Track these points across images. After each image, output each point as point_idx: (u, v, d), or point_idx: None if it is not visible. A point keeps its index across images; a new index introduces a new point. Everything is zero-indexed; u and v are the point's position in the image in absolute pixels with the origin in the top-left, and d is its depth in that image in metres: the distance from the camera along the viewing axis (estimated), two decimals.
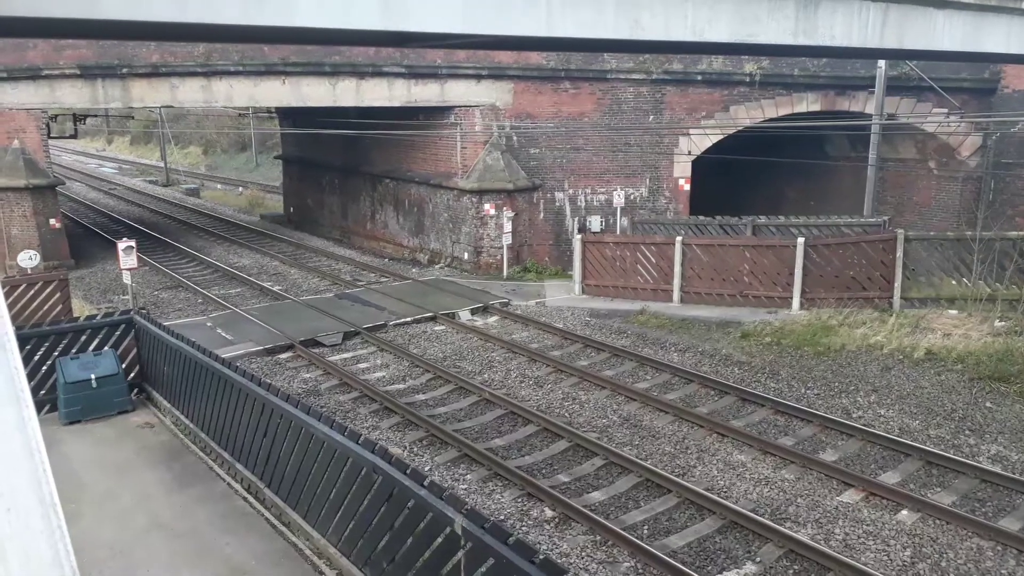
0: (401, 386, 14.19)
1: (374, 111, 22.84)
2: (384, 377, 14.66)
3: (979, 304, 15.76)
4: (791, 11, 8.75)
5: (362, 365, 15.35)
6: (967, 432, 11.71)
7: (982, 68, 21.72)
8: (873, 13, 9.46)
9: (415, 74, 21.99)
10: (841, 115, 22.99)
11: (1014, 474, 10.32)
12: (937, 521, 9.29)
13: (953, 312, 15.97)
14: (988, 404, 12.57)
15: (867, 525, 9.28)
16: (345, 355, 15.92)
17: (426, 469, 10.70)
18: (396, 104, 22.26)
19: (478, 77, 22.37)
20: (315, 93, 21.72)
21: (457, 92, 22.50)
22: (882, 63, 20.77)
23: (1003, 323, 15.14)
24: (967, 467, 10.47)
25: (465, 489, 10.29)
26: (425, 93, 22.34)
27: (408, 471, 6.40)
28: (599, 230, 23.24)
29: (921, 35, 10.10)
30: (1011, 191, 21.53)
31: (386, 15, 6.41)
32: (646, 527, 9.36)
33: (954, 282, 16.58)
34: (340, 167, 29.11)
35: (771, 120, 23.16)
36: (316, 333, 16.69)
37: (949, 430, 11.79)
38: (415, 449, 11.57)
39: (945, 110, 22.30)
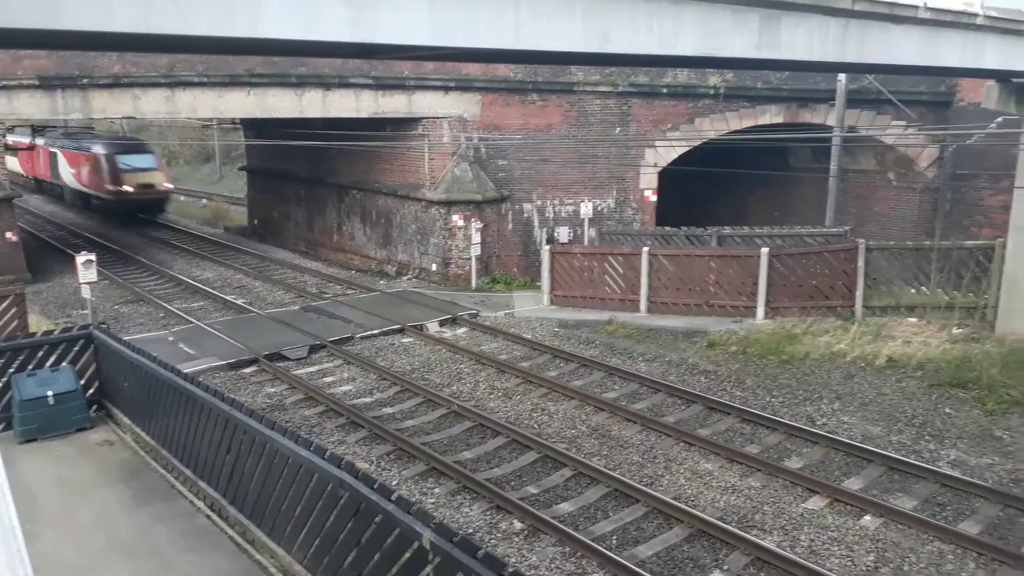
0: (368, 399, 14.06)
1: (341, 122, 22.70)
2: (351, 391, 14.51)
3: (938, 312, 16.11)
4: (755, 25, 8.92)
5: (328, 379, 15.19)
6: (927, 438, 11.94)
7: (939, 82, 22.25)
8: (834, 28, 9.68)
9: (382, 85, 21.91)
10: (803, 127, 23.38)
11: (973, 478, 10.54)
12: (899, 526, 9.44)
13: (913, 320, 16.29)
14: (947, 410, 12.83)
15: (831, 531, 9.39)
16: (311, 369, 15.74)
17: (394, 483, 10.61)
18: (363, 115, 22.14)
19: (446, 89, 22.37)
20: (281, 104, 21.52)
21: (425, 104, 22.47)
22: (843, 76, 21.19)
23: (960, 330, 15.49)
24: (928, 472, 10.67)
25: (433, 503, 10.22)
26: (392, 104, 22.27)
27: (375, 486, 6.32)
28: (567, 241, 23.31)
29: (880, 49, 10.36)
30: (967, 202, 22.04)
31: (355, 27, 6.40)
32: (615, 537, 9.37)
33: (913, 291, 16.93)
34: (306, 178, 28.85)
35: (735, 132, 23.46)
36: (281, 347, 16.47)
37: (910, 436, 12.01)
38: (382, 463, 11.46)
39: (903, 122, 22.81)
